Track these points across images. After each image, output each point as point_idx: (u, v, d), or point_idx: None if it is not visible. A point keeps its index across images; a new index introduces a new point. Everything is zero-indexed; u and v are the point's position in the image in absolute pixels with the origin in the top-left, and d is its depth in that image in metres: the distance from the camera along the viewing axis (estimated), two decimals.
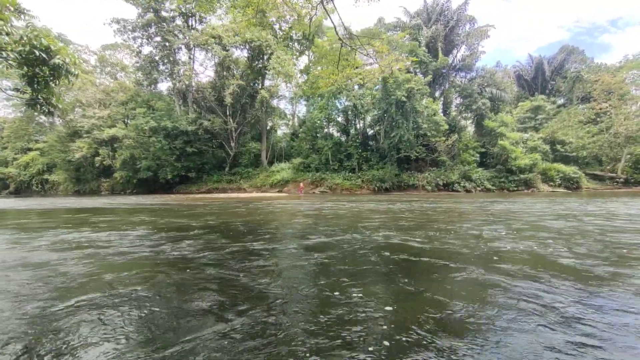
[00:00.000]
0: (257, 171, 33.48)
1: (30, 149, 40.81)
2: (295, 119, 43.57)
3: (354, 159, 30.02)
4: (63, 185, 38.60)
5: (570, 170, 27.36)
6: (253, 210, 10.77)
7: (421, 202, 13.90)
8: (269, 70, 34.12)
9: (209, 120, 31.05)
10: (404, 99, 23.94)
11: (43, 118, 40.87)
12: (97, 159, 32.89)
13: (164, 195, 26.69)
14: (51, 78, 6.16)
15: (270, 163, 35.39)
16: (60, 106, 6.82)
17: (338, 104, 32.38)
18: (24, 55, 5.78)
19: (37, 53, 5.69)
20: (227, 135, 32.64)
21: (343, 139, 33.00)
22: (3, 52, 5.70)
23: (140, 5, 30.35)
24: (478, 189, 26.81)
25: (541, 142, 30.55)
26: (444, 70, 29.98)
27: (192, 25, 34.45)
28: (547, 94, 40.00)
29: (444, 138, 25.73)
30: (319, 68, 32.93)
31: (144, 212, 10.39)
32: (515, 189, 26.72)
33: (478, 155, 28.83)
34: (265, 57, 34.65)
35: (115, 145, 33.18)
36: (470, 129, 33.24)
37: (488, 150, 29.44)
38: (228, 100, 29.04)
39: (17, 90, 6.67)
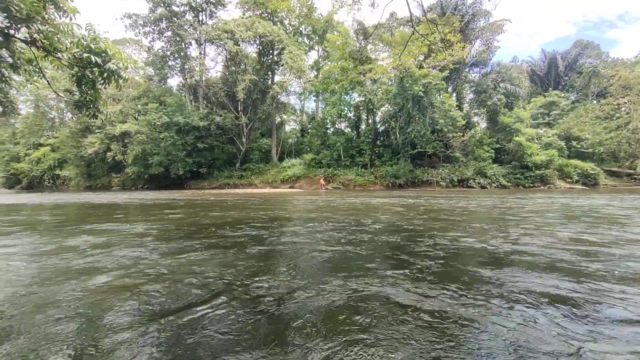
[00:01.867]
0: (268, 167, 33.37)
1: (41, 145, 40.98)
2: (304, 115, 43.42)
3: (366, 155, 29.80)
4: (74, 180, 38.75)
5: (588, 166, 26.94)
6: (292, 205, 10.64)
7: (456, 199, 13.68)
8: (279, 66, 33.94)
9: (221, 115, 30.94)
10: (421, 94, 23.64)
11: (53, 114, 41.05)
12: (109, 154, 32.92)
13: (178, 191, 26.66)
14: (101, 81, 6.07)
15: (280, 159, 35.28)
16: (104, 111, 6.72)
17: (350, 100, 32.12)
18: (77, 57, 5.67)
19: (92, 58, 5.59)
20: (238, 130, 32.51)
21: (354, 134, 32.75)
22: (58, 53, 5.61)
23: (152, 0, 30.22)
24: (493, 185, 26.51)
25: (556, 138, 30.11)
26: (457, 66, 29.56)
27: (202, 20, 34.24)
28: (560, 89, 39.39)
29: (460, 134, 25.41)
30: (334, 63, 32.96)
31: (177, 208, 10.28)
32: (531, 185, 26.38)
33: (493, 151, 28.49)
34: (276, 52, 34.44)
35: (126, 141, 33.19)
36: (483, 125, 32.89)
37: (503, 147, 29.10)
38: (241, 95, 28.88)
39: (68, 91, 6.57)
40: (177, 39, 31.35)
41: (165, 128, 29.96)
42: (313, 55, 42.47)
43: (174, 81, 39.22)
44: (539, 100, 36.26)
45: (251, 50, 34.26)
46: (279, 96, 34.11)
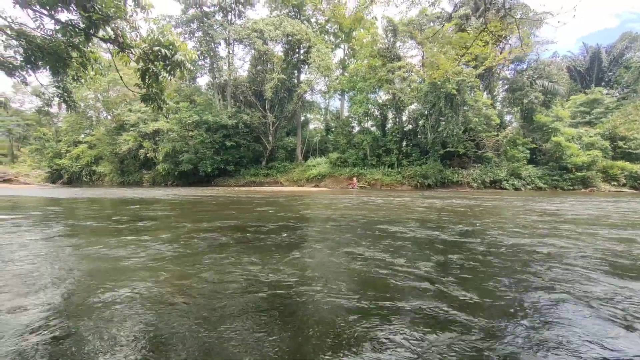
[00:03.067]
0: (293, 166, 33.51)
1: (80, 142, 43.29)
2: (328, 114, 43.22)
3: (394, 155, 29.23)
4: (108, 176, 40.65)
5: (639, 168, 25.04)
6: (338, 203, 10.53)
7: (496, 201, 13.08)
8: (305, 64, 33.96)
9: (248, 114, 31.38)
10: (454, 91, 22.83)
11: (91, 113, 43.24)
12: (141, 151, 34.23)
13: (209, 188, 27.29)
14: (166, 73, 6.26)
15: (305, 158, 35.35)
16: (169, 103, 6.93)
17: (378, 98, 31.60)
18: (146, 51, 5.85)
19: (162, 51, 5.74)
20: (265, 129, 32.85)
21: (380, 133, 32.17)
22: (131, 49, 5.82)
23: (184, 1, 31.06)
24: (528, 187, 25.26)
25: (599, 137, 28.17)
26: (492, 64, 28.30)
27: (231, 20, 34.83)
28: (603, 85, 36.83)
29: (495, 133, 24.33)
30: (364, 61, 32.53)
31: (224, 205, 10.43)
32: (571, 187, 24.87)
33: (528, 151, 27.11)
34: (302, 51, 34.46)
35: (157, 139, 34.38)
36: (515, 124, 31.33)
37: (539, 147, 27.63)
38: (268, 94, 29.14)
39: (137, 86, 6.84)
40: (208, 38, 32.07)
41: (195, 126, 30.77)
42: (339, 54, 42.24)
43: (203, 80, 40.24)
44: (579, 98, 34.07)
45: (277, 49, 34.52)
46: (304, 95, 34.17)
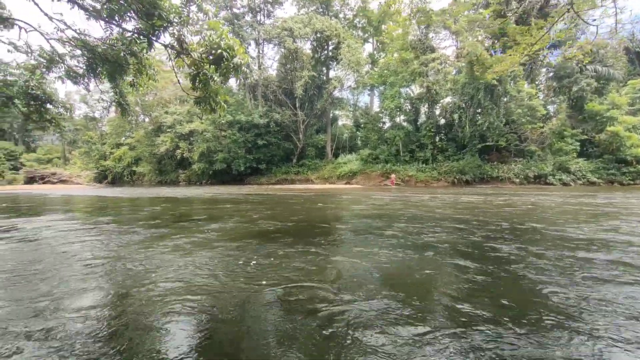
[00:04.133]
0: (323, 163, 33.42)
1: (121, 144, 46.03)
2: (357, 110, 42.60)
3: (428, 150, 28.21)
4: (147, 176, 42.86)
5: None
6: (391, 201, 10.27)
7: (562, 197, 12.14)
8: (335, 60, 33.65)
9: (279, 113, 31.68)
10: (495, 82, 21.50)
11: (132, 116, 45.71)
12: (178, 152, 35.68)
13: (243, 186, 27.90)
14: (218, 77, 6.33)
15: (335, 155, 35.13)
16: (223, 104, 7.01)
17: (410, 92, 30.60)
18: (202, 55, 5.94)
19: (224, 54, 5.80)
20: (295, 127, 33.02)
21: (411, 128, 31.14)
22: (187, 54, 5.93)
23: (216, 4, 31.78)
24: (578, 182, 23.34)
25: None
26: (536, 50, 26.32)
27: (260, 20, 35.23)
28: None
29: (540, 124, 22.66)
30: (395, 55, 31.69)
31: (279, 203, 10.51)
32: (631, 182, 22.64)
33: (578, 143, 25.01)
34: (331, 47, 34.17)
35: (192, 139, 35.68)
36: (562, 114, 28.93)
37: (590, 138, 25.40)
38: (299, 92, 29.21)
39: (192, 89, 7.01)
40: (238, 40, 32.63)
41: (228, 126, 31.55)
42: (367, 48, 41.43)
43: (234, 81, 41.06)
44: (638, 83, 30.89)
45: (306, 47, 34.45)
46: (334, 91, 33.94)
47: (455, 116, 27.27)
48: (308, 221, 6.15)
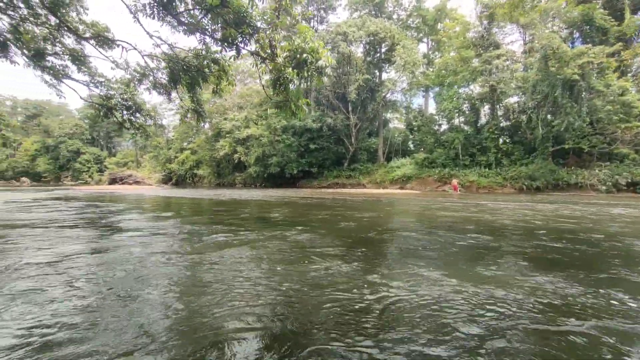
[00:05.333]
0: (376, 167, 32.86)
1: (184, 149, 50.15)
2: (410, 113, 41.26)
3: (491, 153, 26.21)
4: (207, 178, 46.02)
5: None
6: (462, 208, 9.78)
7: None
8: (388, 63, 33.06)
9: (331, 117, 31.94)
10: (575, 77, 19.22)
11: (194, 123, 49.63)
12: (235, 155, 37.76)
13: (296, 189, 28.56)
14: (298, 80, 6.49)
15: (387, 159, 34.35)
16: (304, 108, 7.20)
17: (470, 92, 28.81)
18: (285, 60, 6.17)
19: (308, 58, 5.96)
20: (347, 131, 33.00)
21: (471, 130, 29.16)
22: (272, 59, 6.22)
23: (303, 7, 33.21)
24: None
25: None
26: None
27: (314, 27, 36.02)
28: None
29: (637, 123, 19.69)
30: (452, 54, 30.26)
31: (338, 207, 10.59)
32: None
33: None
34: (384, 50, 33.66)
35: (248, 144, 37.54)
36: None
37: None
38: (353, 95, 29.16)
39: (276, 94, 7.35)
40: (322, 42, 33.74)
41: (282, 131, 32.62)
42: (422, 48, 40.06)
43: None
44: None
45: (359, 50, 34.36)
46: (387, 94, 33.34)
47: (524, 117, 24.96)
48: (406, 228, 5.96)
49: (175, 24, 7.87)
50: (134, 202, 13.09)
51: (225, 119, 40.13)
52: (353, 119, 32.08)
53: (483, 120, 28.96)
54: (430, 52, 38.44)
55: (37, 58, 11.21)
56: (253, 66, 7.20)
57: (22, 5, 9.77)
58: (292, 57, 6.42)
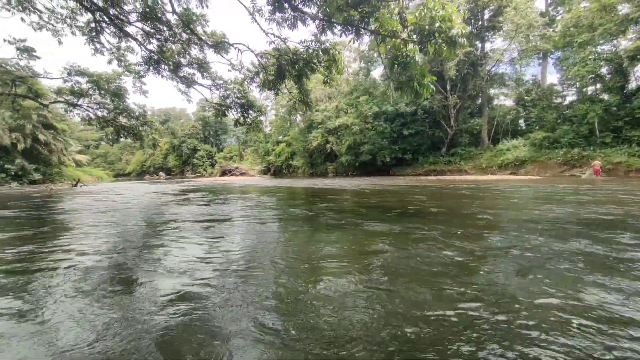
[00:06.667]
0: (480, 151, 29.57)
1: (280, 142, 54.32)
2: (521, 86, 35.39)
3: None
4: (301, 169, 48.97)
5: None
6: None
7: None
8: (493, 30, 28.97)
9: (427, 98, 29.89)
10: None
11: (287, 116, 53.13)
12: (327, 145, 39.04)
13: (393, 178, 28.00)
14: (419, 56, 6.31)
15: (493, 141, 30.45)
16: (430, 85, 6.95)
17: (613, 49, 22.98)
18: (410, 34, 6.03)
19: (442, 27, 5.73)
20: (446, 112, 30.44)
21: (614, 99, 23.20)
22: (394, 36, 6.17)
23: None
24: None
25: None
26: None
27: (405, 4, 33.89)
28: None
29: None
30: (584, 4, 24.61)
31: (465, 197, 10.13)
32: None
33: None
34: (486, 15, 29.56)
35: (339, 133, 38.30)
36: None
37: None
38: (452, 72, 26.65)
39: (390, 75, 7.37)
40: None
41: (373, 118, 32.14)
42: (538, 4, 33.71)
43: (377, 72, 41.40)
44: None
45: (457, 19, 30.86)
46: (493, 66, 29.32)
47: None
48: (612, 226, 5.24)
49: (289, 16, 8.30)
50: (267, 193, 14.86)
51: (317, 110, 41.76)
52: (452, 99, 29.33)
53: (633, 85, 22.79)
54: (550, 9, 31.91)
55: (175, 70, 13.58)
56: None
57: (165, 28, 11.90)
58: (418, 30, 6.07)
